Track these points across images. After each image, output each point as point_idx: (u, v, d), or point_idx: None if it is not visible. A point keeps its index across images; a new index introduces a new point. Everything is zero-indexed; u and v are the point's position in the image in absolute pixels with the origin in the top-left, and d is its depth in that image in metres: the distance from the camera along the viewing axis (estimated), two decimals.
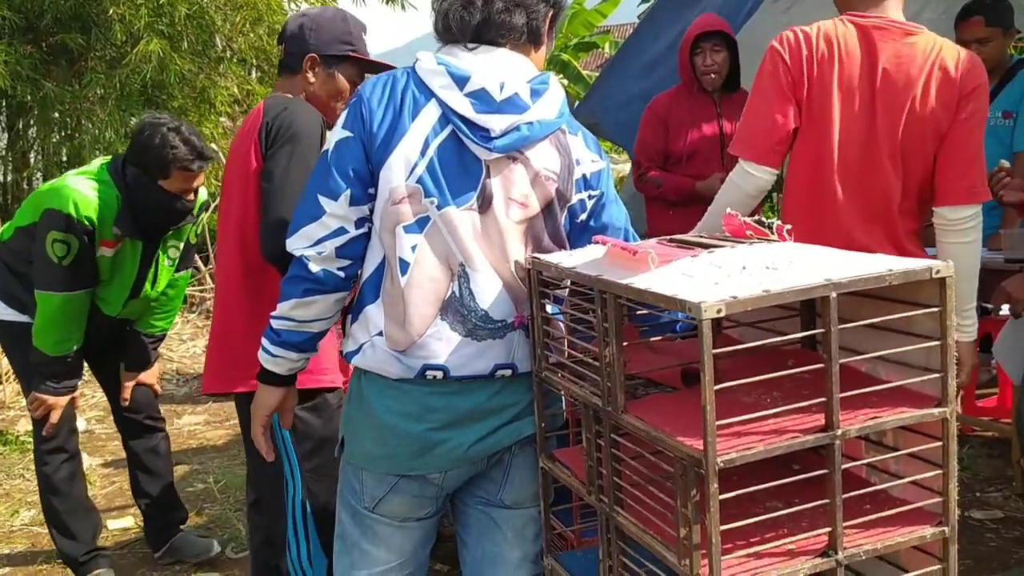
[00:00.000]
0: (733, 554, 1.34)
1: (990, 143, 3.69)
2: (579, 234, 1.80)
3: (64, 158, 8.24)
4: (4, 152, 8.86)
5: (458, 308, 1.66)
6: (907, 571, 1.48)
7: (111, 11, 6.84)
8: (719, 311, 1.24)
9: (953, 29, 3.79)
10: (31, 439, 4.62)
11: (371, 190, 1.67)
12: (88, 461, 4.18)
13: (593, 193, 1.78)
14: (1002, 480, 3.45)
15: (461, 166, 1.65)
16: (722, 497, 1.30)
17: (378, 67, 2.35)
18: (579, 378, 1.65)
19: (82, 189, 2.79)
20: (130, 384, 3.18)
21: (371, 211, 1.69)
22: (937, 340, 1.37)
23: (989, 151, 3.67)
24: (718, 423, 1.28)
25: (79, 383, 2.96)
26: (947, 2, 4.83)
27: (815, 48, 2.17)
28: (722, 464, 1.27)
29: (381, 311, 1.68)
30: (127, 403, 3.18)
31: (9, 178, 8.74)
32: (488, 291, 1.67)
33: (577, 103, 5.48)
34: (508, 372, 1.71)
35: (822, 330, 1.33)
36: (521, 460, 1.81)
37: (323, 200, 1.67)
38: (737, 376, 1.39)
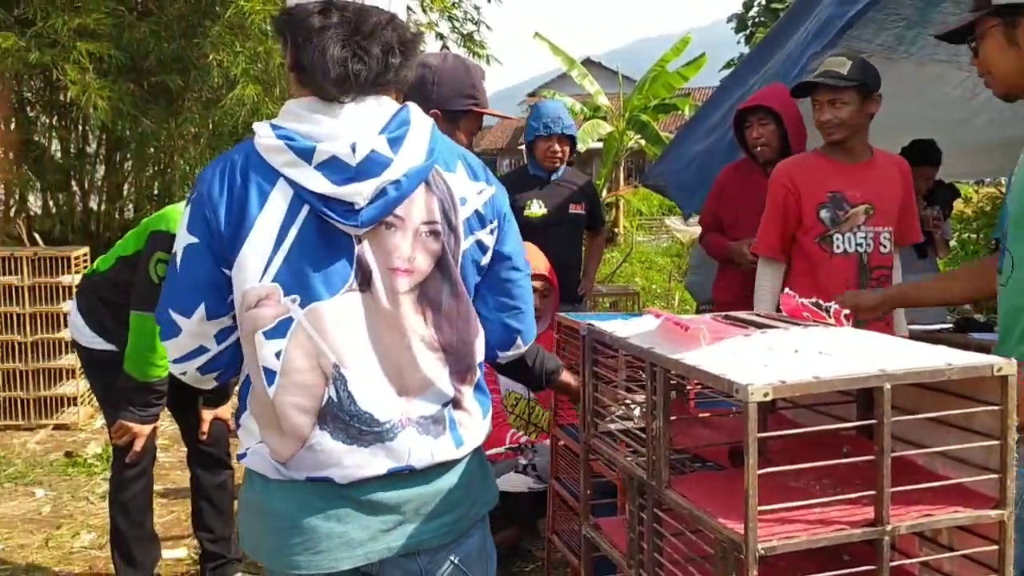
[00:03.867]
0: None
1: None
2: (488, 277, 1.56)
3: (155, 192, 8.62)
4: (100, 183, 9.30)
5: (338, 414, 1.43)
6: None
7: (211, 56, 7.19)
8: (766, 395, 1.22)
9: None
10: (98, 462, 4.77)
11: (230, 297, 1.46)
12: None
13: (491, 227, 1.53)
14: None
15: (328, 248, 1.41)
16: None
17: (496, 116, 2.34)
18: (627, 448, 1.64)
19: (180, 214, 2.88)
20: (209, 418, 3.22)
21: (235, 318, 1.48)
22: (997, 439, 1.33)
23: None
24: (761, 508, 1.26)
25: (160, 412, 3.04)
26: (998, 109, 4.77)
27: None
28: (763, 551, 1.25)
29: (255, 422, 1.49)
30: (205, 437, 3.25)
31: (103, 208, 9.15)
32: (370, 390, 1.44)
33: (650, 164, 5.54)
34: (405, 472, 1.47)
35: (875, 421, 1.30)
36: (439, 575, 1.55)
37: (176, 317, 1.48)
38: (789, 459, 1.36)
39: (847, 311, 1.54)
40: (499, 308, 1.59)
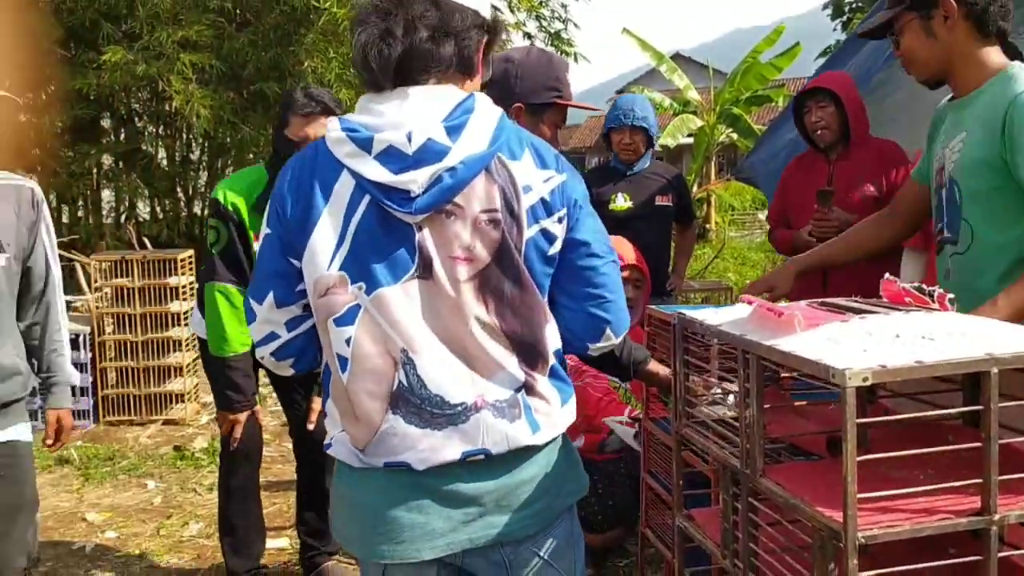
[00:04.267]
0: None
1: None
2: (565, 266, 1.54)
3: None
4: (203, 188, 9.68)
5: (409, 398, 1.46)
6: None
7: (306, 63, 7.41)
8: (865, 379, 1.19)
9: None
10: (205, 456, 4.97)
11: (300, 287, 1.52)
12: None
13: (558, 215, 1.51)
14: None
15: (389, 237, 1.45)
16: (865, 575, 1.24)
17: (581, 109, 2.36)
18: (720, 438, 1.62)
19: (231, 179, 3.00)
20: (318, 408, 3.21)
21: (306, 308, 1.54)
22: None
23: None
24: (861, 496, 1.23)
25: (254, 399, 3.07)
26: None
27: None
28: (863, 540, 1.22)
29: (336, 408, 1.54)
30: (313, 428, 3.22)
31: (205, 212, 9.53)
32: (440, 373, 1.46)
33: (742, 158, 5.44)
34: (480, 457, 1.48)
35: (981, 407, 1.25)
36: (523, 566, 1.57)
37: (253, 303, 1.56)
38: (891, 449, 1.33)
39: (951, 296, 1.48)
40: (583, 298, 1.55)
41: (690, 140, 17.93)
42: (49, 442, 2.57)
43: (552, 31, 10.99)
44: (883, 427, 1.56)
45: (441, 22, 1.45)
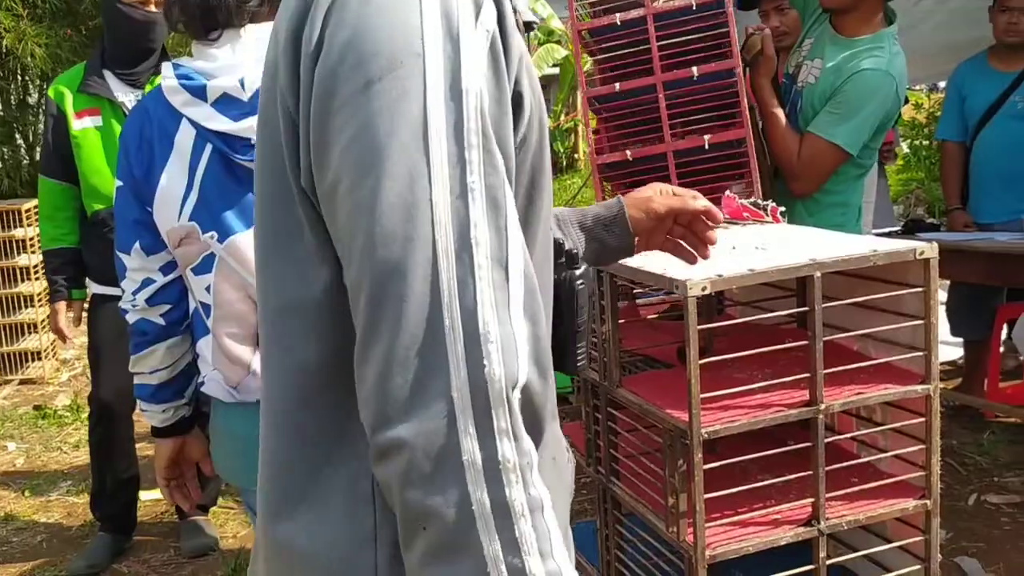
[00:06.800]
0: (718, 522, 1.39)
1: (1017, 127, 3.65)
2: None
3: None
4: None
5: None
6: (892, 542, 1.53)
7: None
8: (704, 288, 1.29)
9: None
10: (69, 413, 4.79)
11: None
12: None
13: None
14: (1021, 465, 3.45)
15: (237, 183, 1.43)
16: (708, 467, 1.36)
17: None
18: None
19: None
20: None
21: None
22: (922, 319, 1.40)
23: (1015, 135, 3.63)
24: (704, 396, 1.33)
25: (64, 293, 3.00)
26: (945, 13, 4.79)
27: None
28: (706, 435, 1.33)
29: (208, 347, 1.53)
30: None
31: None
32: None
33: None
34: None
35: (807, 308, 1.37)
36: None
37: (121, 256, 1.55)
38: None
39: (783, 209, 1.60)
40: None
41: (556, 71, 17.99)
42: None
43: None
44: (730, 335, 1.67)
45: None
